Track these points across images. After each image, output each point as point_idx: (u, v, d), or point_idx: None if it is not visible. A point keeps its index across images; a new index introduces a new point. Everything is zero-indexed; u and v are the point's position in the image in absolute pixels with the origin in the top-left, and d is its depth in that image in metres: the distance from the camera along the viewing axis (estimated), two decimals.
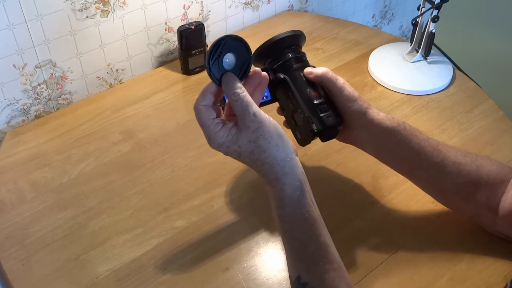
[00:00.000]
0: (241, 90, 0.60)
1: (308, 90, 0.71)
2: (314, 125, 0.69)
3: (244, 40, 0.61)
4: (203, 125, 0.61)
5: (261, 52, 0.74)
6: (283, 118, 0.76)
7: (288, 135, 0.63)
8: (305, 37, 0.75)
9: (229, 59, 0.61)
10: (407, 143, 0.70)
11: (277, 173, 0.60)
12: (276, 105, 0.76)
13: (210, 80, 0.62)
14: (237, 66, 0.62)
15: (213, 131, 0.60)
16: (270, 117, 0.61)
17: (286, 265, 0.72)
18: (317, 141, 0.92)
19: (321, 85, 0.72)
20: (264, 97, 0.74)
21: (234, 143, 0.60)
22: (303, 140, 0.72)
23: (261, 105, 0.72)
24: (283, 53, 0.74)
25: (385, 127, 0.70)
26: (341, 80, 0.71)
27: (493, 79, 1.42)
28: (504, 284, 0.69)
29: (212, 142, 0.61)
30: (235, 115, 0.62)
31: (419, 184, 0.75)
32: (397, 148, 0.71)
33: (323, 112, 0.69)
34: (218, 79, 0.61)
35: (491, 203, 0.69)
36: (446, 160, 0.70)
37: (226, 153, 0.62)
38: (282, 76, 0.72)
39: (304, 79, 0.72)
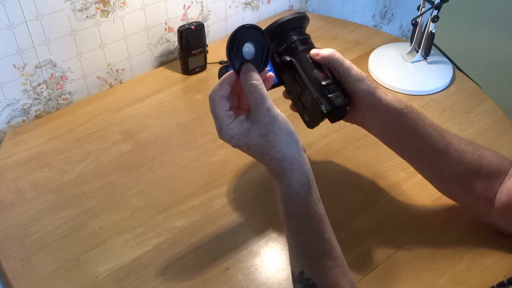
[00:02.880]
0: (258, 82, 0.60)
1: (315, 71, 0.70)
2: (323, 106, 0.69)
3: (257, 26, 0.62)
4: (215, 116, 0.61)
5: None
6: (289, 107, 0.76)
7: (294, 120, 0.64)
8: (308, 19, 0.75)
9: (248, 48, 0.62)
10: (413, 126, 0.70)
11: (285, 169, 0.60)
12: (281, 89, 0.76)
13: (229, 71, 0.63)
14: (258, 54, 0.62)
15: (225, 123, 0.61)
16: (283, 113, 0.61)
17: (286, 265, 0.72)
18: (317, 140, 0.92)
19: (328, 66, 0.72)
20: None
21: (245, 135, 0.60)
22: (312, 122, 0.72)
23: None
24: (288, 35, 0.73)
25: (392, 108, 0.70)
26: (348, 61, 0.71)
27: (493, 79, 1.42)
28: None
29: (223, 133, 0.61)
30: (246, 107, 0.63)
31: (420, 170, 0.75)
32: (403, 131, 0.71)
33: (332, 92, 0.69)
34: (239, 69, 0.62)
35: (488, 193, 0.70)
36: (450, 147, 0.70)
37: (235, 145, 0.62)
38: (288, 58, 0.72)
39: (310, 61, 0.71)
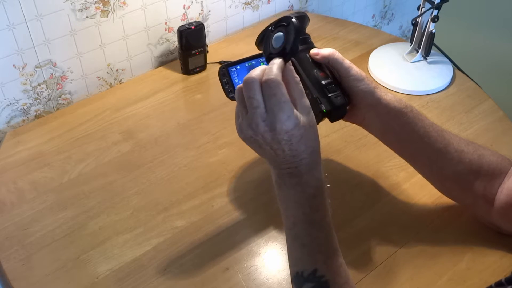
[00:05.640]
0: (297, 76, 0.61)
1: (315, 71, 0.70)
2: (322, 105, 0.69)
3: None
4: (285, 102, 0.57)
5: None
6: None
7: None
8: (308, 18, 0.75)
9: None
10: (413, 126, 0.70)
11: (317, 159, 0.61)
12: None
13: (276, 60, 0.62)
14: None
15: (293, 110, 0.58)
16: None
17: (286, 265, 0.72)
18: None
19: (328, 66, 0.72)
20: None
21: (303, 125, 0.59)
22: None
23: None
24: None
25: (392, 107, 0.70)
26: (347, 61, 0.71)
27: (493, 79, 1.42)
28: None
29: (290, 122, 0.57)
30: None
31: (420, 169, 0.75)
32: (402, 130, 0.71)
33: (331, 92, 0.69)
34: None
35: (488, 193, 0.70)
36: (449, 147, 0.70)
37: (291, 136, 0.58)
38: None
39: (310, 60, 0.71)
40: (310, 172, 0.61)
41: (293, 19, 0.61)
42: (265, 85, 0.58)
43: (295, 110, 0.58)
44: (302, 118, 0.59)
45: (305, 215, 0.61)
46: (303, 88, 0.61)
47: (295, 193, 0.61)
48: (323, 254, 0.60)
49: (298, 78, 0.61)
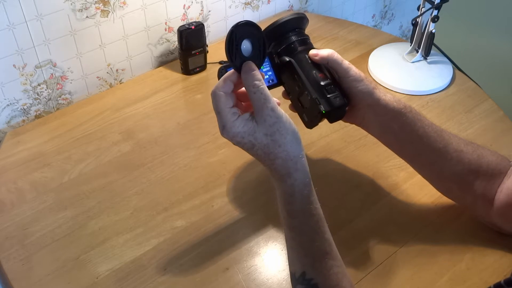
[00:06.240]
0: (260, 82, 0.60)
1: (314, 72, 0.71)
2: (321, 106, 0.69)
3: (251, 21, 0.61)
4: (220, 112, 0.60)
5: (265, 36, 0.74)
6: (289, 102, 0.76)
7: (294, 121, 0.63)
8: (308, 19, 0.75)
9: (245, 45, 0.61)
10: (412, 126, 0.70)
11: (289, 168, 0.60)
12: (280, 89, 0.76)
13: (231, 70, 0.62)
14: (255, 49, 0.62)
15: (230, 120, 0.60)
16: (285, 113, 0.61)
17: (286, 265, 0.72)
18: (316, 140, 0.92)
19: (327, 67, 0.72)
20: (270, 81, 0.74)
21: (250, 134, 0.60)
22: (311, 122, 0.72)
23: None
24: (287, 36, 0.74)
25: (391, 108, 0.70)
26: (346, 61, 0.71)
27: (493, 79, 1.42)
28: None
29: (227, 131, 0.60)
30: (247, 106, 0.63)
31: (419, 170, 0.75)
32: (401, 131, 0.71)
33: (330, 93, 0.69)
34: (240, 68, 0.61)
35: (488, 193, 0.70)
36: (449, 147, 0.70)
37: (238, 143, 0.61)
38: (287, 59, 0.72)
39: (309, 61, 0.72)
40: (282, 178, 0.61)
41: (232, 28, 0.60)
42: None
43: (233, 120, 0.59)
44: (248, 128, 0.59)
45: (285, 219, 0.62)
46: (266, 95, 0.59)
47: (277, 194, 0.62)
48: (309, 257, 0.60)
49: (258, 85, 0.59)
